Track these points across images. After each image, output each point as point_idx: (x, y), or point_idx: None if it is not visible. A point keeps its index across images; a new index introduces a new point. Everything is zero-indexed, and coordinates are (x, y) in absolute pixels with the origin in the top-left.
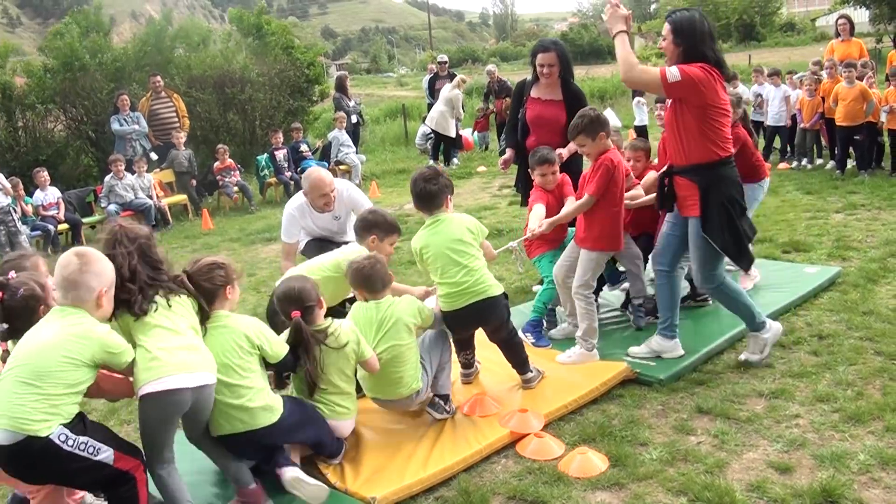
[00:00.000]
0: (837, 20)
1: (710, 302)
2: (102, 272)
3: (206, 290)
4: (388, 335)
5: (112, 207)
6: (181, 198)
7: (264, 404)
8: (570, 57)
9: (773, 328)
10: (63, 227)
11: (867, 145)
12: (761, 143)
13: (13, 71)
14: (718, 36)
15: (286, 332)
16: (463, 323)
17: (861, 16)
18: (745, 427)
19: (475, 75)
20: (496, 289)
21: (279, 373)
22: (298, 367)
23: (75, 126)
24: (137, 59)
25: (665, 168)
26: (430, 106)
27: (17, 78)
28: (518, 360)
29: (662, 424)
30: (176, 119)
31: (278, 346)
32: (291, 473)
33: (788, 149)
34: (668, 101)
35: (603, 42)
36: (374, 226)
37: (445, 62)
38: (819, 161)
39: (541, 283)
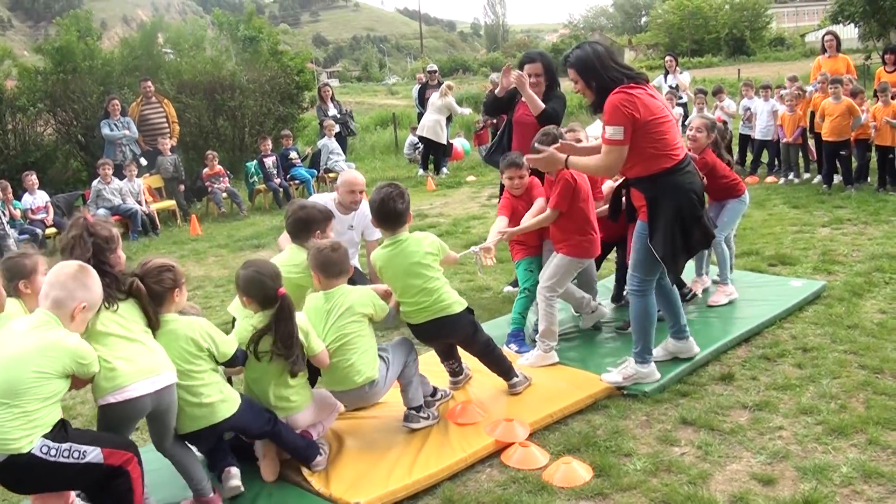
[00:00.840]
0: (824, 36)
1: (698, 295)
2: (92, 289)
3: (156, 293)
4: (338, 323)
5: (101, 212)
6: (170, 203)
7: (222, 397)
8: (555, 67)
9: (649, 369)
10: (51, 230)
11: (860, 161)
12: (749, 157)
13: (6, 74)
14: (708, 49)
15: (235, 330)
16: (425, 337)
17: (850, 32)
18: (728, 439)
19: (465, 85)
20: (457, 306)
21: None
22: (248, 362)
23: (65, 130)
24: (126, 63)
25: (620, 181)
26: (420, 115)
27: (9, 81)
28: (500, 369)
29: (647, 435)
30: (166, 124)
31: (226, 345)
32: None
33: (776, 162)
34: None
35: None
36: (313, 221)
37: (435, 71)
38: (806, 175)
39: (513, 284)
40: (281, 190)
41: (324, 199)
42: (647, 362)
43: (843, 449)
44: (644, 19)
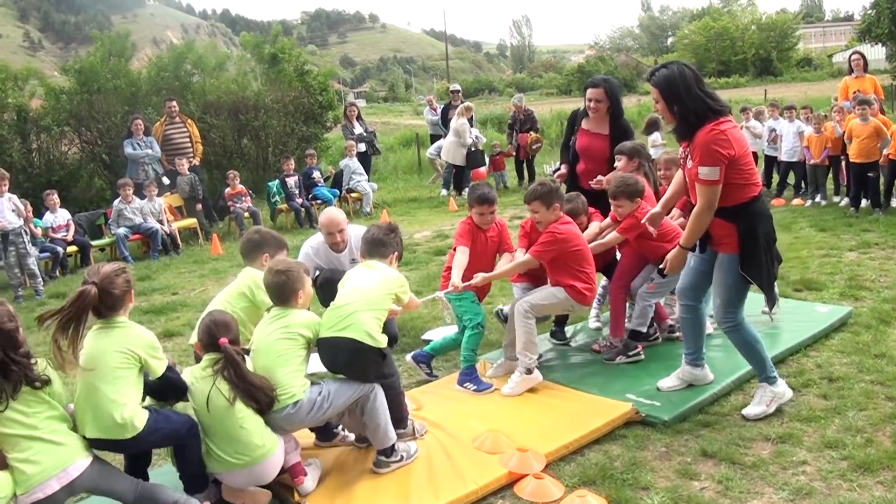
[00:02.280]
0: (851, 56)
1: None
2: None
3: (112, 296)
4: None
5: (121, 231)
6: (191, 221)
7: (132, 415)
8: (620, 94)
9: (783, 387)
10: (72, 249)
11: (888, 182)
12: (774, 178)
13: (31, 94)
14: (735, 70)
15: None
16: (322, 355)
17: (878, 52)
18: (750, 473)
19: (490, 105)
20: (367, 338)
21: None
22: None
23: (89, 149)
24: (153, 83)
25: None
26: (432, 137)
27: (35, 101)
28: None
29: (665, 468)
30: (189, 144)
31: (161, 365)
32: None
33: (803, 185)
34: (690, 160)
35: (619, 74)
36: (265, 244)
37: (458, 91)
38: (836, 199)
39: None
40: (303, 210)
41: (317, 238)
42: (776, 380)
43: (868, 486)
44: (670, 40)
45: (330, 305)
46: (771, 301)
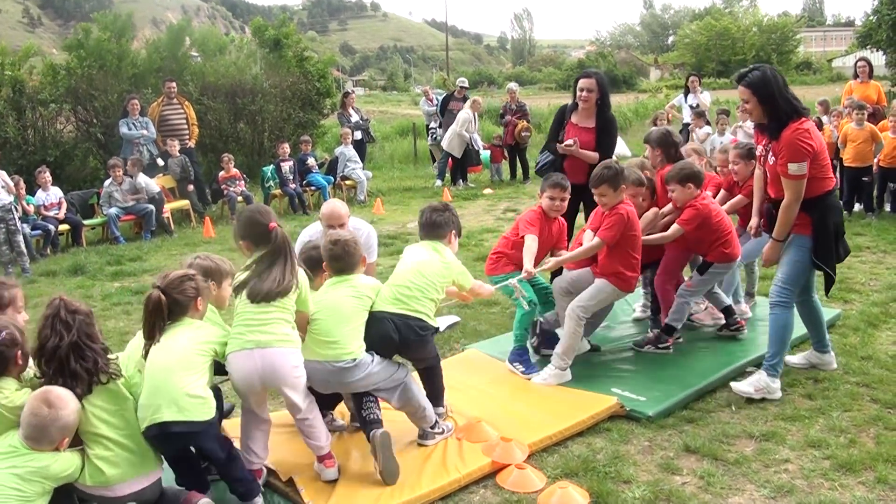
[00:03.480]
0: (857, 62)
1: (744, 332)
2: (67, 424)
3: (178, 302)
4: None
5: (113, 211)
6: (183, 203)
7: (206, 397)
8: (608, 87)
9: (777, 385)
10: (64, 227)
11: (880, 187)
12: None
13: (31, 71)
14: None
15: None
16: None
17: (877, 59)
18: (732, 469)
19: (489, 98)
20: (425, 316)
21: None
22: None
23: (84, 128)
24: (152, 63)
25: (770, 204)
26: (428, 127)
27: (34, 77)
28: (433, 392)
29: (648, 462)
30: (185, 126)
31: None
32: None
33: None
34: (771, 155)
35: (618, 71)
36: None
37: (465, 87)
38: None
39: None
40: (296, 195)
41: (314, 227)
42: (777, 376)
43: (850, 486)
44: (671, 38)
45: (389, 280)
46: (831, 284)
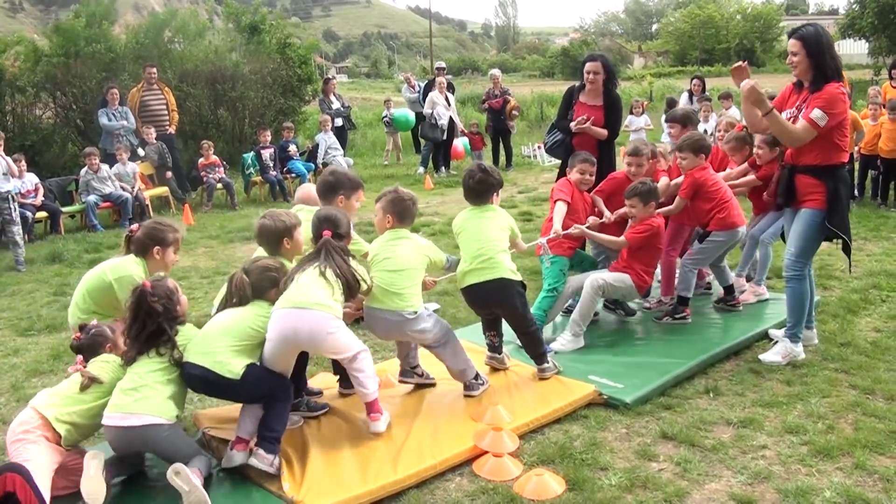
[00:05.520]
0: (891, 70)
1: (740, 308)
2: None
3: (258, 288)
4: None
5: (91, 198)
6: (162, 190)
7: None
8: (614, 68)
9: (800, 347)
10: (41, 214)
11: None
12: None
13: (14, 58)
14: (718, 59)
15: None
16: (476, 300)
17: (860, 47)
18: (709, 456)
19: (472, 85)
20: (509, 273)
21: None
22: None
23: (63, 114)
24: (132, 50)
25: (787, 167)
26: (419, 115)
27: (14, 62)
28: (535, 351)
29: (625, 449)
30: (165, 112)
31: None
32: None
33: None
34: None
35: None
36: (340, 185)
37: (443, 69)
38: None
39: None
40: (277, 182)
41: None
42: (799, 341)
43: (827, 472)
44: (655, 26)
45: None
46: (849, 253)
